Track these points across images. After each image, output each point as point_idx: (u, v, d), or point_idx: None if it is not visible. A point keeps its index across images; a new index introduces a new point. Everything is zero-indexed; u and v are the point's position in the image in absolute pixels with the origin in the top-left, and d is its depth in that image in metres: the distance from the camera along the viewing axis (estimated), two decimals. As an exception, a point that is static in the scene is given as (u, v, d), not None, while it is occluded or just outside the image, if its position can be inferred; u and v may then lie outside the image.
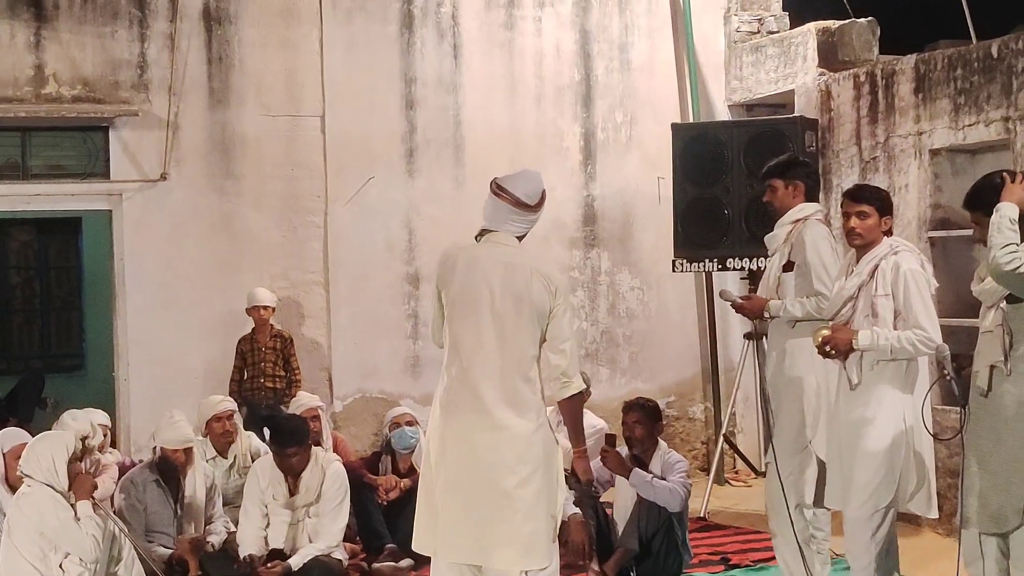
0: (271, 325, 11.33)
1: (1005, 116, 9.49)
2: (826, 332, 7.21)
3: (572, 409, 6.60)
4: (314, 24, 12.07)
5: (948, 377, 6.83)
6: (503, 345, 6.40)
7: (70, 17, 11.56)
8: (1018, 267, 6.17)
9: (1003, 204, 6.32)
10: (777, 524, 7.96)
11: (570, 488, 6.76)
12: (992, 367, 6.52)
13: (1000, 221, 6.26)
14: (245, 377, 11.27)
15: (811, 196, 8.11)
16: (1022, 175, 6.49)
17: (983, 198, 6.55)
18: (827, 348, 7.19)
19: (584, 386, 6.62)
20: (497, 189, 6.57)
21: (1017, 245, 6.20)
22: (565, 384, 6.46)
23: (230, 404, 9.83)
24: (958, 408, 6.89)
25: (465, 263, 6.52)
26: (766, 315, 7.95)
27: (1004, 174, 6.51)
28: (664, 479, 8.59)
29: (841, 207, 7.39)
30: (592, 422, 10.11)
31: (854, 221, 7.23)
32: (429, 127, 12.29)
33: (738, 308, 8.20)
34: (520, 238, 6.64)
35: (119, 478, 9.10)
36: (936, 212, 10.20)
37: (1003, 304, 6.48)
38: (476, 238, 6.60)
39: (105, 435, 9.65)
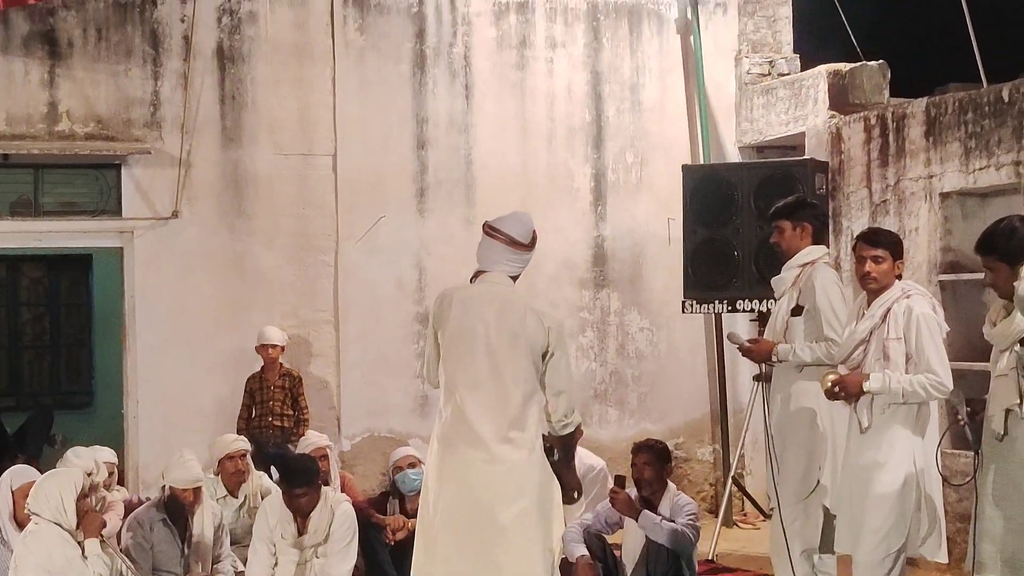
0: (280, 364, 11.33)
1: (1016, 160, 9.49)
2: (834, 376, 7.21)
3: (566, 445, 6.80)
4: (327, 63, 12.11)
5: (962, 422, 6.82)
6: (499, 381, 6.57)
7: (84, 55, 11.62)
8: None
9: None
10: (780, 570, 7.93)
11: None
12: (1007, 411, 6.51)
13: None
14: (253, 415, 11.26)
15: (818, 238, 8.12)
16: None
17: (996, 243, 6.56)
18: (836, 390, 7.18)
19: (579, 421, 6.82)
20: (490, 230, 6.82)
21: None
22: (565, 425, 6.71)
23: (244, 444, 9.82)
24: (970, 452, 6.88)
25: (460, 302, 6.72)
26: (773, 359, 7.94)
27: None
28: (673, 521, 8.57)
29: (854, 251, 7.38)
30: (591, 462, 10.11)
31: (869, 265, 7.24)
32: (440, 167, 12.32)
33: (745, 352, 8.20)
34: (514, 279, 6.82)
35: (126, 516, 9.08)
36: (946, 255, 10.19)
37: (1017, 347, 6.48)
38: (471, 280, 6.81)
39: (112, 473, 9.65)
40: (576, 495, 6.92)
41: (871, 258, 7.26)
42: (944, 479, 7.21)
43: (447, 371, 6.70)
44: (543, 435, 6.72)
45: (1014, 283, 6.35)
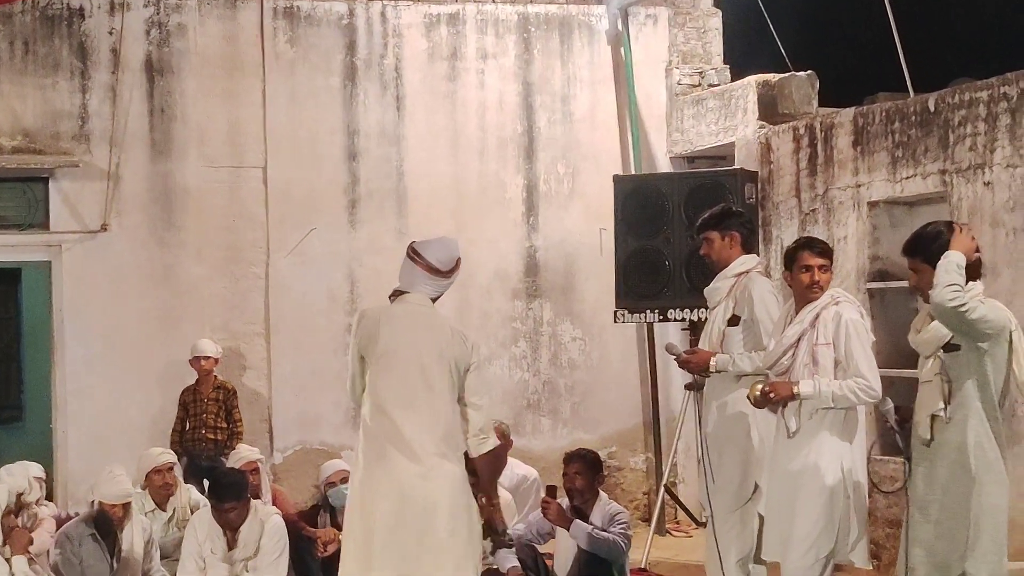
0: (214, 376, 11.28)
1: (942, 169, 9.58)
2: (761, 385, 7.24)
3: (489, 464, 6.91)
4: (257, 76, 12.08)
5: (892, 428, 6.87)
6: (430, 398, 6.66)
7: (11, 68, 11.54)
8: (959, 305, 6.26)
9: (952, 252, 6.43)
10: (713, 579, 7.96)
11: (487, 538, 6.92)
12: (933, 416, 6.58)
13: (947, 264, 6.37)
14: (187, 428, 11.19)
15: (748, 247, 8.13)
16: (967, 227, 6.58)
17: (920, 245, 6.64)
18: (769, 393, 7.20)
19: (498, 442, 6.93)
20: (412, 254, 6.88)
21: (960, 286, 6.29)
22: (483, 440, 6.79)
23: (170, 456, 9.74)
24: (899, 459, 6.92)
25: (388, 321, 6.78)
26: (712, 369, 7.94)
27: (954, 224, 6.62)
28: (605, 530, 8.58)
29: (798, 261, 7.35)
30: (521, 471, 10.11)
31: (817, 275, 7.28)
32: (372, 178, 12.30)
33: (683, 363, 8.19)
34: (434, 300, 6.91)
35: (55, 531, 8.98)
36: (874, 264, 10.28)
37: (940, 353, 6.56)
38: (390, 298, 6.89)
39: (41, 488, 9.54)
40: (505, 536, 7.17)
41: (819, 267, 7.30)
42: (874, 485, 7.25)
43: (377, 389, 6.72)
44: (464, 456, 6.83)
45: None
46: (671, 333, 11.76)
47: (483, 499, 6.98)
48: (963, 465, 6.50)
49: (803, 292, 7.33)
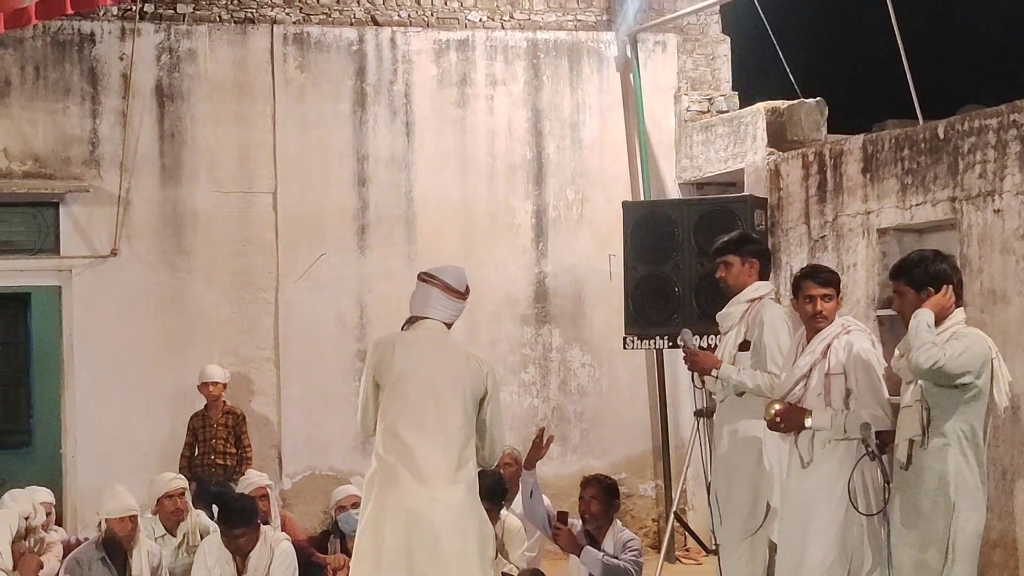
0: (223, 402, 11.28)
1: (952, 196, 9.59)
2: (779, 406, 7.22)
3: None
4: (267, 101, 12.11)
5: (871, 452, 6.86)
6: (443, 424, 6.71)
7: (22, 93, 11.57)
8: (935, 363, 6.45)
9: (921, 310, 6.61)
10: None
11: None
12: (911, 441, 6.64)
13: (917, 325, 6.54)
14: (196, 453, 11.19)
15: (764, 274, 8.12)
16: (951, 289, 6.69)
17: (905, 268, 6.82)
18: (778, 421, 7.20)
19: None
20: (427, 277, 6.96)
21: (933, 343, 6.46)
22: (494, 460, 7.10)
23: (181, 482, 9.73)
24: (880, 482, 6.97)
25: (403, 347, 6.83)
26: (714, 373, 7.90)
27: (939, 285, 6.69)
28: (616, 557, 8.55)
29: (802, 290, 7.35)
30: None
31: (820, 304, 7.27)
32: (381, 204, 12.32)
33: (690, 354, 8.12)
34: (448, 326, 6.98)
35: (64, 556, 8.98)
36: (884, 291, 10.25)
37: (921, 380, 6.64)
38: (404, 327, 6.95)
39: (49, 513, 9.54)
40: None
41: (821, 297, 7.29)
42: (856, 509, 7.21)
43: (390, 413, 6.76)
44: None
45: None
46: (680, 359, 11.73)
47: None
48: (942, 491, 6.61)
49: (808, 322, 7.33)
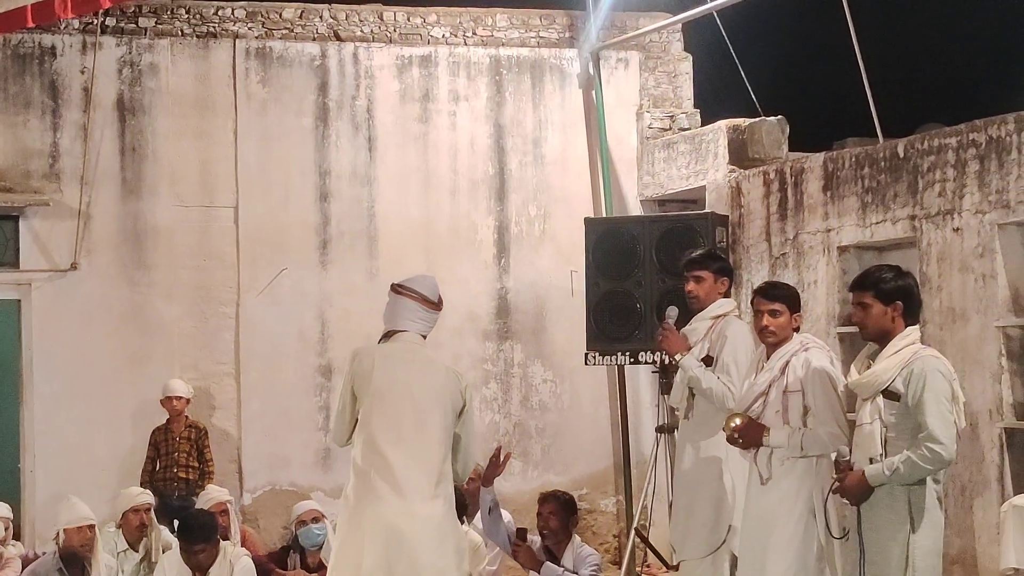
0: (186, 416, 11.24)
1: (911, 214, 9.64)
2: (739, 420, 7.23)
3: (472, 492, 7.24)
4: (229, 115, 12.09)
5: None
6: (423, 437, 6.71)
7: (-18, 105, 11.52)
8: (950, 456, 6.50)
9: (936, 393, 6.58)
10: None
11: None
12: (871, 460, 6.63)
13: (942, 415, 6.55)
14: (158, 468, 11.15)
15: (728, 292, 8.19)
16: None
17: (871, 279, 6.75)
18: (737, 437, 7.21)
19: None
20: (402, 290, 6.95)
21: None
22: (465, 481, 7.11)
23: (148, 497, 9.71)
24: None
25: (382, 360, 6.81)
26: (677, 358, 7.92)
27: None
28: (575, 573, 8.57)
29: (752, 304, 7.43)
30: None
31: (767, 319, 7.29)
32: (343, 219, 12.31)
33: (666, 331, 8.13)
34: (423, 336, 6.99)
35: (22, 571, 8.94)
36: (844, 308, 10.29)
37: (879, 398, 6.63)
38: (381, 340, 6.94)
39: (7, 528, 9.49)
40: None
41: (768, 312, 7.31)
42: (828, 531, 7.23)
43: (370, 426, 6.74)
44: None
45: (882, 324, 6.65)
46: (641, 375, 11.78)
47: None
48: (899, 511, 6.61)
49: (759, 337, 7.37)
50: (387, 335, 6.93)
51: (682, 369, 7.91)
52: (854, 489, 6.74)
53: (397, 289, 6.96)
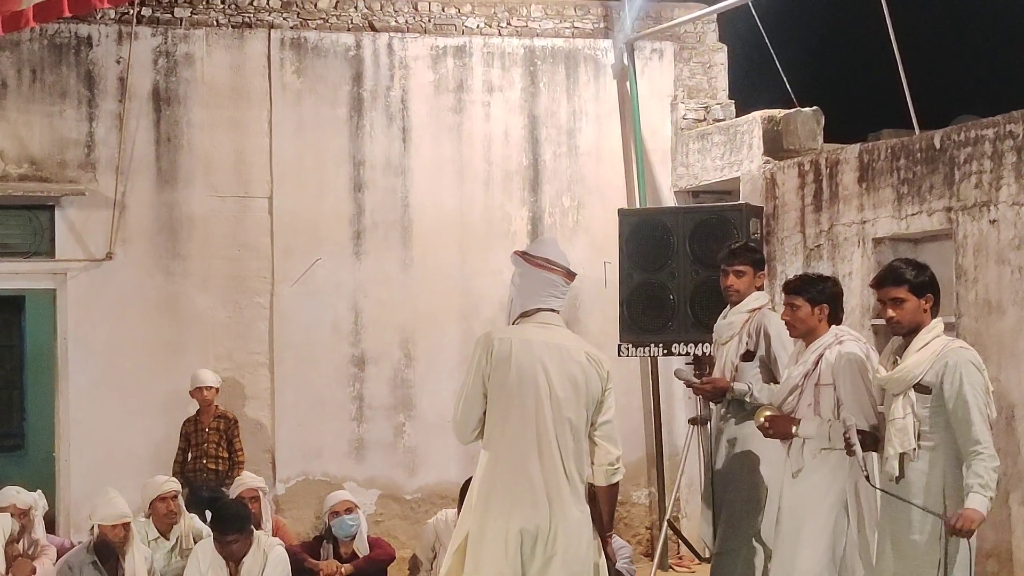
0: (215, 406, 11.25)
1: (947, 206, 9.59)
2: (769, 413, 7.23)
3: (612, 496, 6.43)
4: (263, 106, 12.10)
5: (850, 448, 6.81)
6: (560, 432, 6.20)
7: (19, 96, 11.56)
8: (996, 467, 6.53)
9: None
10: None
11: None
12: (903, 455, 6.62)
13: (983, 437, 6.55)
14: (188, 458, 11.16)
15: (762, 285, 8.20)
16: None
17: (906, 274, 6.72)
18: (767, 428, 7.22)
19: (624, 470, 6.49)
20: (541, 261, 6.36)
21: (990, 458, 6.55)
22: (613, 471, 6.34)
23: (174, 485, 9.73)
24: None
25: (520, 348, 6.23)
26: (729, 396, 7.94)
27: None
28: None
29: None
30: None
31: (786, 313, 7.35)
32: (377, 209, 12.31)
33: (697, 390, 8.16)
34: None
35: (57, 560, 8.97)
36: (879, 300, 10.26)
37: (911, 392, 6.61)
38: (515, 321, 6.36)
39: (30, 516, 9.45)
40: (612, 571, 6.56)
41: (788, 305, 7.34)
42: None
43: (498, 420, 6.22)
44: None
45: (918, 317, 6.64)
46: (675, 367, 11.73)
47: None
48: (935, 504, 6.60)
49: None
50: (524, 314, 6.29)
51: (737, 400, 7.91)
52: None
53: (539, 263, 6.35)
